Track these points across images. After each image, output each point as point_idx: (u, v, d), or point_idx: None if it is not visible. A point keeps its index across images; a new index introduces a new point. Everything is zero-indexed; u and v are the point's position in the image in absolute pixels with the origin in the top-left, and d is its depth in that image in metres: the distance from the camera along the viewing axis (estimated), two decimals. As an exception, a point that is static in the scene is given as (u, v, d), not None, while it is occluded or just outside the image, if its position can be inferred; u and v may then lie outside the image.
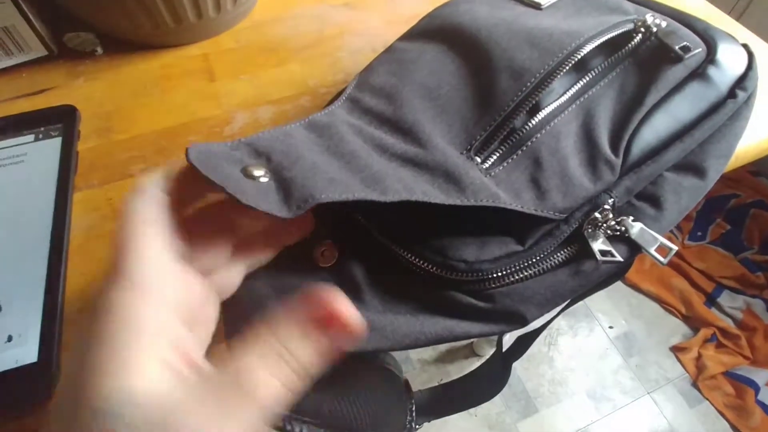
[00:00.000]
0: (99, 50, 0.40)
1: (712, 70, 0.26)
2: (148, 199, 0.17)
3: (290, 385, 0.15)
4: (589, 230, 0.24)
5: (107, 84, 0.38)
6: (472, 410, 1.09)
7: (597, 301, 1.25)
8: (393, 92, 0.27)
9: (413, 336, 0.22)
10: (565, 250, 0.24)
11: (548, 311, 0.24)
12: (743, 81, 0.27)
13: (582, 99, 0.26)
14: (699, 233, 1.35)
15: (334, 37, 0.43)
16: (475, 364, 1.15)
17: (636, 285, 1.28)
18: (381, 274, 0.24)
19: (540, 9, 0.31)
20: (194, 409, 0.13)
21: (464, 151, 0.25)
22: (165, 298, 0.15)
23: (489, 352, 1.14)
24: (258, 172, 0.19)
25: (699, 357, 1.17)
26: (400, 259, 0.23)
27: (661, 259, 0.23)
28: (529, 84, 0.25)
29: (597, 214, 0.24)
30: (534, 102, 0.25)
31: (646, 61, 0.27)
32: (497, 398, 1.10)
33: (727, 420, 1.09)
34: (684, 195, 0.26)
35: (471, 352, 1.16)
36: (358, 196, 0.19)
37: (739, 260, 1.30)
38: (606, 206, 0.24)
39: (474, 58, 0.28)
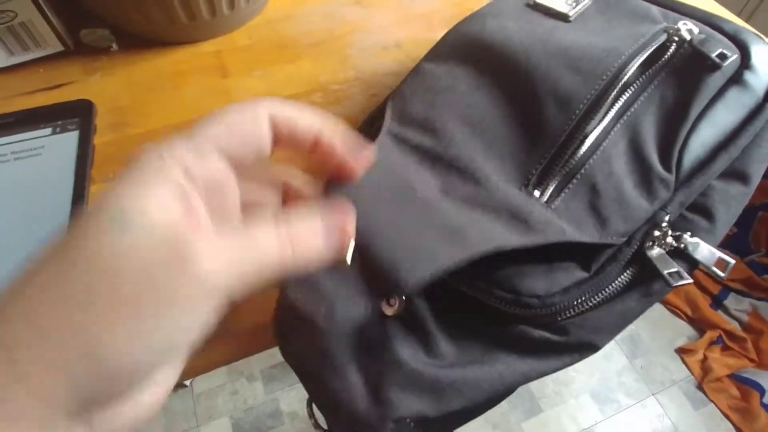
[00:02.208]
0: (114, 46, 0.41)
1: (748, 75, 0.26)
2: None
3: (286, 257, 0.16)
4: (651, 250, 0.24)
5: (122, 79, 0.39)
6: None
7: (602, 302, 1.25)
8: (437, 127, 0.27)
9: (490, 387, 0.22)
10: (629, 272, 0.24)
11: (617, 335, 0.24)
12: None
13: (626, 117, 0.26)
14: (706, 235, 1.35)
15: (345, 34, 0.43)
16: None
17: (642, 286, 1.27)
18: (450, 317, 0.24)
19: (568, 21, 0.30)
20: (201, 239, 0.14)
21: (522, 187, 0.25)
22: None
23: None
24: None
25: (704, 359, 1.16)
26: (469, 299, 0.23)
27: (721, 274, 0.23)
28: (578, 111, 0.25)
29: (656, 232, 0.24)
30: (584, 129, 0.25)
31: (683, 71, 0.26)
32: (501, 398, 1.10)
33: (732, 422, 1.09)
34: (733, 203, 0.25)
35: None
36: (444, 265, 0.20)
37: (746, 263, 1.30)
38: (663, 224, 0.24)
39: (513, 84, 0.28)
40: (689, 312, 1.24)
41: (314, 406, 0.25)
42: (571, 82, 0.26)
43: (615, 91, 0.25)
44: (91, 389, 0.13)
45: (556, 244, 0.23)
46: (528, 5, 0.32)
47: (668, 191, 0.24)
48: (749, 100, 0.26)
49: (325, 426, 0.25)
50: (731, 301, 1.25)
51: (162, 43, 0.41)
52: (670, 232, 0.24)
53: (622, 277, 0.24)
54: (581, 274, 0.23)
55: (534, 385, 1.13)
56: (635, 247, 0.24)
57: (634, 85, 0.26)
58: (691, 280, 0.23)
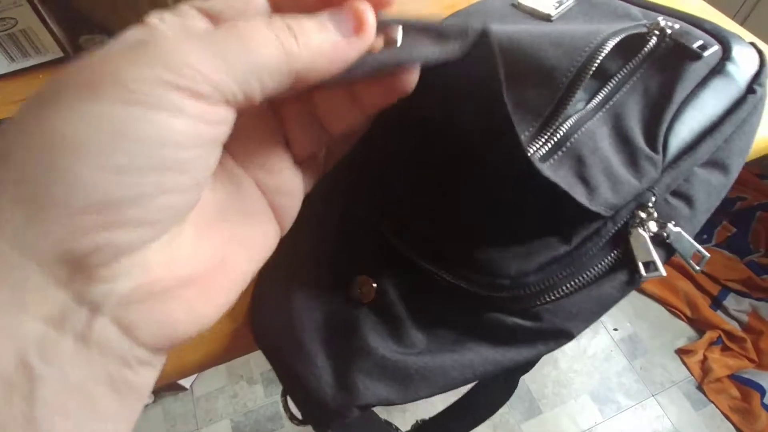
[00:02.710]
0: (112, 52, 0.42)
1: (730, 67, 0.26)
2: None
3: (288, 48, 0.13)
4: (635, 231, 0.23)
5: (120, 84, 0.40)
6: (475, 411, 1.10)
7: (601, 303, 1.25)
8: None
9: (460, 375, 0.22)
10: (611, 256, 0.23)
11: (592, 323, 0.24)
12: (759, 77, 0.27)
13: (608, 106, 0.26)
14: (704, 236, 1.35)
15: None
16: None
17: (640, 287, 1.27)
18: (422, 305, 0.24)
19: (550, 20, 0.31)
20: (183, 40, 0.12)
21: None
22: None
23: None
24: None
25: (704, 360, 1.16)
26: (442, 282, 0.23)
27: (696, 267, 0.23)
28: (561, 85, 0.25)
29: (642, 213, 0.23)
30: (568, 103, 0.25)
31: (665, 62, 0.27)
32: (501, 399, 1.10)
33: (733, 423, 1.08)
34: (713, 193, 0.25)
35: (475, 353, 1.16)
36: None
37: (745, 263, 1.30)
38: (650, 204, 0.23)
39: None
40: (689, 313, 1.24)
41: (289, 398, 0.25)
42: (553, 56, 0.25)
43: (598, 62, 0.25)
44: (65, 229, 0.11)
45: (541, 216, 0.22)
46: (513, 5, 0.33)
47: (656, 171, 0.24)
48: (732, 90, 0.26)
49: (299, 416, 0.25)
50: (731, 302, 1.25)
51: (159, 49, 0.42)
52: (655, 215, 0.23)
53: (603, 261, 0.23)
54: (561, 249, 0.22)
55: (533, 386, 1.13)
56: (620, 224, 0.23)
57: (617, 76, 0.26)
58: (664, 274, 0.23)
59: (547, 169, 0.20)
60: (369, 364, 0.22)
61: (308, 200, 0.18)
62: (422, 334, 0.23)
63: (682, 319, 1.24)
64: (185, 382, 1.11)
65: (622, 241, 0.23)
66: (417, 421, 0.37)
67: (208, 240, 0.13)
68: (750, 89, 0.26)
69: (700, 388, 1.14)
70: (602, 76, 0.26)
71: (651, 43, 0.27)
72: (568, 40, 0.26)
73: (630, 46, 0.27)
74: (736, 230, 1.35)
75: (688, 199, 0.25)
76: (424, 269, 0.23)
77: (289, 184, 0.16)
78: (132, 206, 0.11)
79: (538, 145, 0.24)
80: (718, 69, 0.26)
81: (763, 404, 1.09)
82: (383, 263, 0.24)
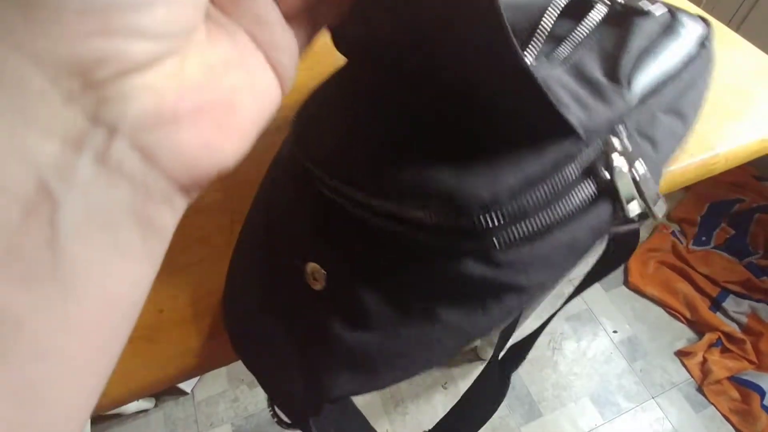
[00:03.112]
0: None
1: (680, 28, 0.27)
2: None
3: None
4: (614, 158, 0.21)
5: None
6: (476, 414, 1.10)
7: (601, 305, 1.26)
8: None
9: (428, 356, 0.20)
10: (589, 187, 0.21)
11: (568, 271, 0.21)
12: (707, 38, 0.28)
13: (569, 63, 0.24)
14: (704, 238, 1.36)
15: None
16: (479, 367, 1.15)
17: (640, 289, 1.28)
18: (380, 275, 0.21)
19: None
20: None
21: None
22: None
23: (493, 356, 1.15)
24: None
25: (704, 362, 1.17)
26: (401, 237, 0.20)
27: (659, 215, 0.22)
28: (522, 36, 0.23)
29: (616, 143, 0.21)
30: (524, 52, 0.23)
31: (618, 22, 0.27)
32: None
33: (733, 425, 1.09)
34: (674, 138, 0.25)
35: (475, 356, 1.17)
36: None
37: (744, 265, 1.30)
38: (622, 132, 0.22)
39: None
40: (688, 314, 1.24)
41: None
42: (513, 16, 0.24)
43: (553, 19, 0.24)
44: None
45: (509, 136, 0.20)
46: None
47: (623, 102, 0.22)
48: (686, 46, 0.27)
49: (287, 420, 0.24)
50: (730, 303, 1.25)
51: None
52: (630, 148, 0.21)
53: (581, 191, 0.20)
54: (534, 167, 0.19)
55: (533, 389, 1.13)
56: (594, 152, 0.21)
57: (573, 37, 0.26)
58: (661, 216, 0.21)
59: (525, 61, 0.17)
60: (332, 357, 0.21)
61: (261, 187, 0.17)
62: (383, 308, 0.21)
63: (682, 321, 1.25)
64: (186, 387, 1.12)
65: (601, 171, 0.21)
66: None
67: (214, 78, 0.13)
68: (702, 45, 0.27)
69: (700, 390, 1.14)
70: (559, 39, 0.26)
71: (603, 11, 0.27)
72: (526, 3, 0.25)
73: (583, 11, 0.27)
74: (735, 232, 1.35)
75: (652, 141, 0.24)
76: (375, 229, 0.21)
77: (282, 39, 0.16)
78: (131, 11, 0.11)
79: None
80: (670, 28, 0.27)
81: (763, 406, 1.09)
82: (332, 240, 0.22)
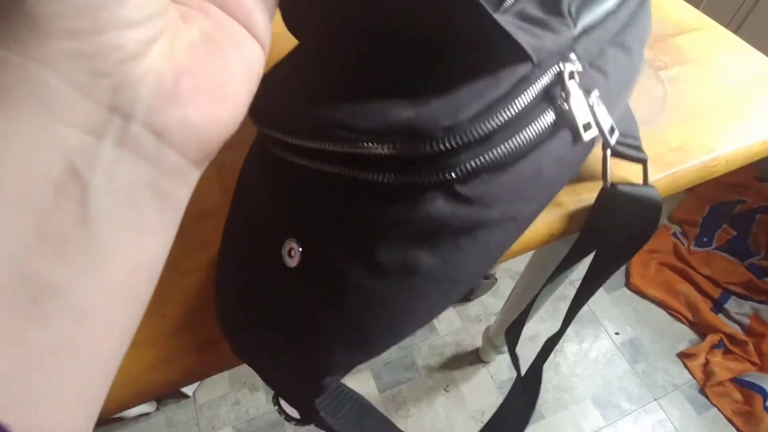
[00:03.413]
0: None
1: None
2: None
3: None
4: (568, 85, 0.21)
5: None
6: (477, 416, 1.09)
7: (602, 307, 1.26)
8: None
9: (420, 304, 0.20)
10: (547, 112, 0.20)
11: (538, 202, 0.22)
12: None
13: (511, 11, 0.23)
14: (705, 239, 1.35)
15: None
16: (480, 370, 1.15)
17: (641, 291, 1.28)
18: (350, 233, 0.20)
19: None
20: None
21: None
22: None
23: (494, 357, 1.15)
24: None
25: (706, 363, 1.16)
26: (363, 185, 0.20)
27: (611, 141, 0.23)
28: None
29: (569, 67, 0.21)
30: None
31: None
32: (503, 404, 1.10)
33: (736, 427, 1.08)
34: (623, 71, 0.25)
35: (477, 358, 1.16)
36: None
37: (746, 266, 1.30)
38: (573, 57, 0.22)
39: None
40: (690, 316, 1.24)
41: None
42: None
43: None
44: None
45: (460, 64, 0.19)
46: None
47: (568, 30, 0.22)
48: None
49: (296, 415, 0.24)
50: (732, 305, 1.25)
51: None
52: (580, 69, 0.21)
53: (535, 120, 0.20)
54: (492, 94, 0.19)
55: (535, 392, 1.13)
56: (547, 76, 0.20)
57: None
58: (613, 142, 0.22)
59: None
60: (321, 335, 0.21)
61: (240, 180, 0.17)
62: (360, 268, 0.20)
63: (684, 323, 1.24)
64: (188, 390, 1.12)
65: (558, 98, 0.21)
66: None
67: (201, 54, 0.15)
68: None
69: (702, 391, 1.14)
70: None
71: None
72: None
73: None
74: (737, 233, 1.35)
75: (603, 72, 0.24)
76: (336, 183, 0.20)
77: (250, 1, 0.17)
78: (112, 7, 0.12)
79: None
80: None
81: (765, 407, 1.09)
82: (301, 213, 0.22)
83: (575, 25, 0.23)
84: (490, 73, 0.19)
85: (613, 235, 0.30)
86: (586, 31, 0.23)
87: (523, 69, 0.20)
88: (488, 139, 0.19)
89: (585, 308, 1.25)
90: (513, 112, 0.19)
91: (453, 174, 0.19)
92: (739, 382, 1.14)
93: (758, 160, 0.39)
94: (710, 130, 0.37)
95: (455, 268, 0.20)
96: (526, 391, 0.36)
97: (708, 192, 1.43)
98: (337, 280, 0.20)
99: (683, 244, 1.35)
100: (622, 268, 1.31)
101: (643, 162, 0.29)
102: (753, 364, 1.15)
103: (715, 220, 1.38)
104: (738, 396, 1.12)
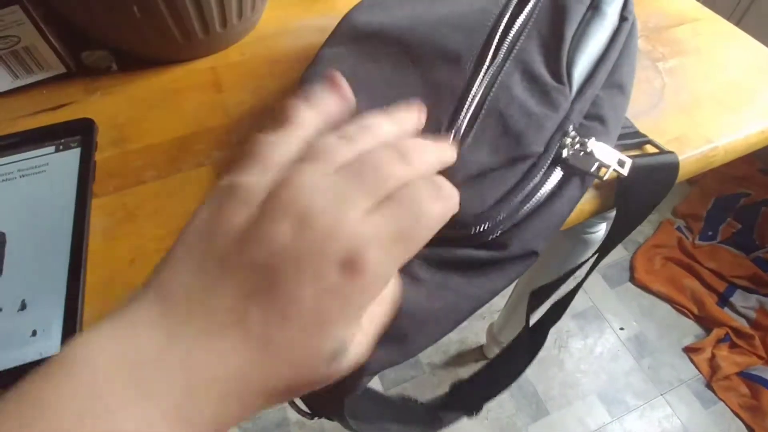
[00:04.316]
0: (114, 66, 0.42)
1: (602, 5, 0.32)
2: None
3: None
4: (566, 154, 0.27)
5: (122, 98, 0.41)
6: (482, 413, 1.09)
7: (607, 302, 1.25)
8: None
9: (453, 318, 0.25)
10: (556, 173, 0.27)
11: (551, 237, 0.27)
12: (626, 7, 0.34)
13: (513, 53, 0.30)
14: (710, 233, 1.35)
15: (335, 47, 0.45)
16: (485, 367, 1.15)
17: (646, 286, 1.27)
18: None
19: None
20: None
21: (435, 134, 0.27)
22: None
23: (499, 355, 1.15)
24: None
25: (712, 357, 1.16)
26: None
27: (623, 172, 0.28)
28: (469, 64, 0.29)
29: (567, 139, 0.27)
30: (476, 79, 0.28)
31: (550, 6, 0.32)
32: (508, 401, 1.10)
33: (743, 420, 1.08)
34: (618, 109, 0.31)
35: (481, 355, 1.16)
36: None
37: (751, 259, 1.29)
38: (570, 129, 0.27)
39: (408, 57, 0.31)
40: (695, 310, 1.23)
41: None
42: (458, 41, 0.30)
43: (497, 37, 0.30)
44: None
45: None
46: None
47: (566, 100, 0.28)
48: (609, 23, 0.32)
49: (306, 409, 0.25)
50: (738, 299, 1.24)
51: (159, 62, 0.43)
52: (577, 138, 0.27)
53: (550, 179, 0.27)
54: (509, 183, 0.26)
55: (540, 388, 1.12)
56: (553, 153, 0.27)
57: (513, 30, 0.31)
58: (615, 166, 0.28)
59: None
60: None
61: None
62: (408, 279, 0.25)
63: (689, 317, 1.24)
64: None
65: (560, 162, 0.27)
66: (453, 383, 0.41)
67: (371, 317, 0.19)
68: (622, 17, 0.33)
69: (708, 386, 1.13)
70: (500, 31, 0.31)
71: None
72: (465, 22, 0.31)
73: (520, 4, 0.32)
74: (742, 226, 1.34)
75: (600, 119, 0.30)
76: None
77: None
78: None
79: (459, 119, 0.27)
80: (594, 5, 0.32)
81: (773, 401, 1.08)
82: None
83: (570, 88, 0.29)
84: (507, 165, 0.26)
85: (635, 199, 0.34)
86: (579, 93, 0.29)
87: (532, 157, 0.27)
88: (512, 215, 0.25)
89: (589, 304, 1.25)
90: (528, 190, 0.26)
91: (481, 241, 0.25)
92: (745, 375, 1.13)
93: (763, 152, 0.39)
94: (709, 121, 0.37)
95: (479, 287, 0.25)
96: (531, 341, 0.40)
97: (712, 185, 1.42)
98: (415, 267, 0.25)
99: (688, 238, 1.35)
100: (626, 264, 1.31)
101: (648, 142, 0.34)
102: (759, 357, 1.15)
103: (719, 213, 1.38)
104: (745, 390, 1.11)
